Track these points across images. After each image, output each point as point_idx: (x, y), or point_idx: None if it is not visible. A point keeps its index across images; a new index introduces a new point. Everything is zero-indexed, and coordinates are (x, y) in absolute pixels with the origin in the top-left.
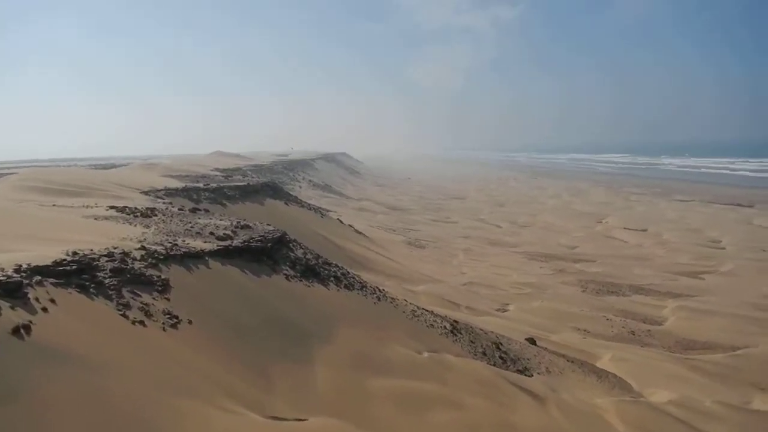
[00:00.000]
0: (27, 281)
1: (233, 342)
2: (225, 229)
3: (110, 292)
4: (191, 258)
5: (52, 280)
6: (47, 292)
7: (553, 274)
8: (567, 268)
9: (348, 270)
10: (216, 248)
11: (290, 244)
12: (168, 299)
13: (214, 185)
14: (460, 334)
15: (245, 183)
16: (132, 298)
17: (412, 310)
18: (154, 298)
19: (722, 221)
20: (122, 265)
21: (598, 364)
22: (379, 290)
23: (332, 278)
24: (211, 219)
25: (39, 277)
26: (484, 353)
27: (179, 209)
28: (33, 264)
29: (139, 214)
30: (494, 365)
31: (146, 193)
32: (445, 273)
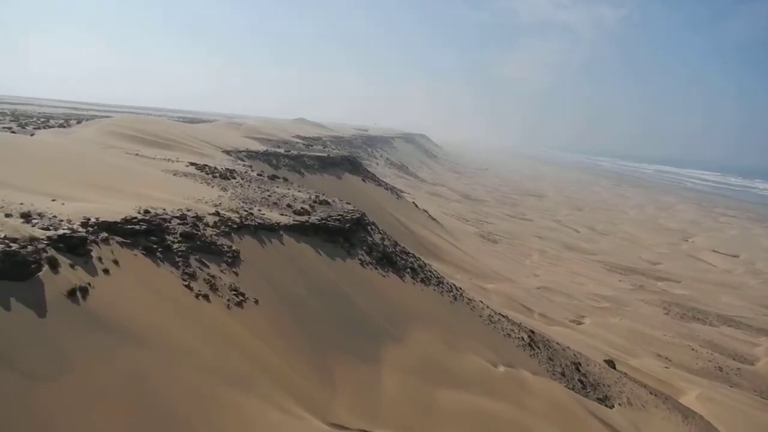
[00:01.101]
0: (93, 237)
1: (299, 331)
2: (303, 202)
3: (177, 259)
4: (265, 230)
5: (119, 238)
6: (112, 252)
7: (633, 290)
8: (648, 285)
9: (425, 262)
10: (292, 223)
11: (369, 227)
12: (236, 273)
13: (295, 152)
14: (538, 348)
15: (325, 154)
16: (199, 267)
17: (489, 315)
18: (222, 270)
19: None
20: (194, 230)
21: (683, 401)
22: (456, 288)
23: (408, 269)
24: (289, 189)
25: (106, 234)
26: (563, 374)
27: (258, 174)
28: (102, 219)
29: (218, 174)
30: (573, 389)
31: (228, 152)
32: (517, 273)
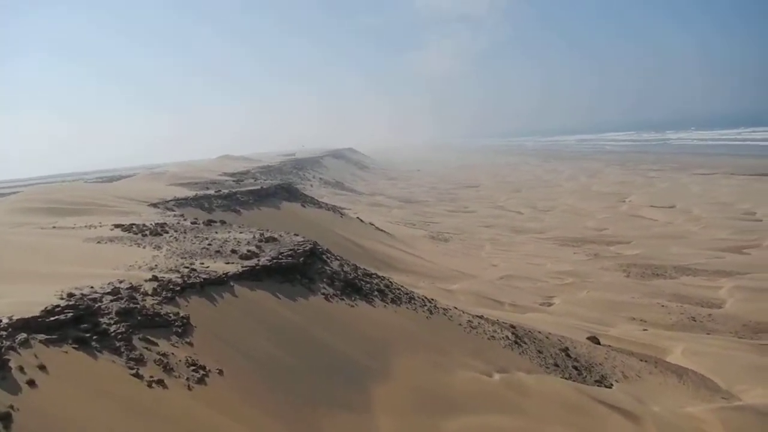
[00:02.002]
0: (7, 343)
1: (273, 393)
2: (248, 243)
3: (118, 344)
4: (214, 285)
5: (41, 336)
6: (35, 356)
7: (590, 260)
8: (602, 252)
9: (390, 280)
10: (241, 270)
11: (324, 256)
12: (191, 344)
13: (226, 191)
14: (525, 343)
15: (258, 187)
16: (146, 347)
17: (468, 321)
18: (173, 344)
19: (751, 192)
20: (131, 305)
21: (671, 359)
22: (429, 300)
23: (376, 292)
24: (229, 232)
25: (24, 335)
26: (556, 364)
27: (192, 222)
28: (16, 317)
29: (147, 232)
30: (570, 378)
31: (155, 205)
32: (476, 267)
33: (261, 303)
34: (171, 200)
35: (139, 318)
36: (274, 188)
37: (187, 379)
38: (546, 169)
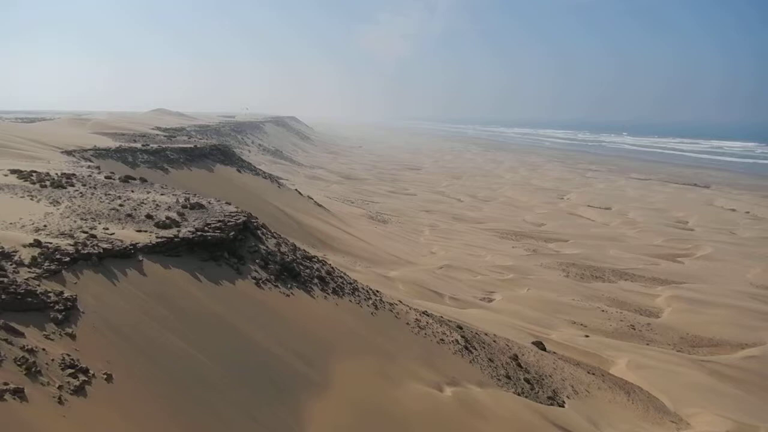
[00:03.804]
0: None
1: (178, 410)
2: (169, 208)
3: None
4: (115, 258)
5: None
6: None
7: (529, 255)
8: (540, 248)
9: (332, 266)
10: (155, 241)
11: (259, 232)
12: (72, 336)
13: (155, 146)
14: (475, 349)
15: (192, 145)
16: (5, 340)
17: (416, 320)
18: (48, 337)
19: (684, 201)
20: None
21: (616, 372)
22: (374, 293)
23: (316, 280)
24: (149, 192)
25: None
26: (507, 376)
27: (106, 177)
28: None
29: (48, 182)
30: (523, 393)
31: (69, 153)
32: (415, 253)
33: (176, 285)
34: (90, 149)
35: (2, 297)
36: (209, 149)
37: (60, 387)
38: (487, 159)
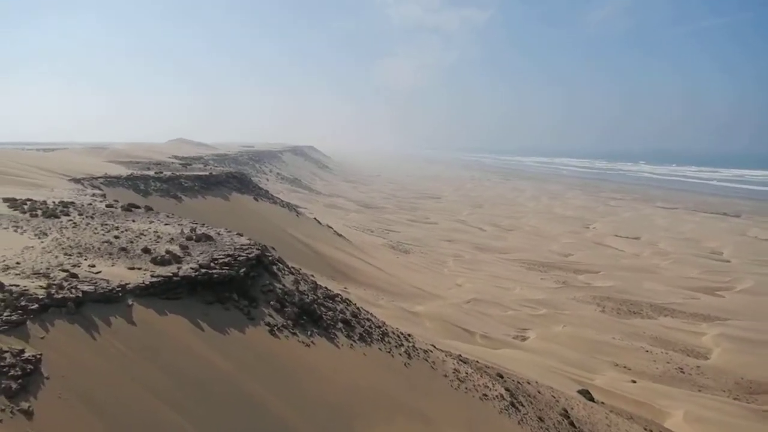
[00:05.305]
0: None
1: None
2: (170, 240)
3: None
4: (98, 303)
5: None
6: None
7: (560, 288)
8: (570, 280)
9: (359, 307)
10: (150, 281)
11: (274, 267)
12: (28, 414)
13: (168, 173)
14: (522, 406)
15: (207, 173)
16: None
17: (454, 370)
18: None
19: (715, 231)
20: None
21: (670, 425)
22: (405, 338)
23: (340, 324)
24: (151, 222)
25: None
26: None
27: (107, 205)
28: None
29: (40, 212)
30: None
31: (77, 180)
32: (440, 285)
33: (172, 337)
34: (100, 177)
35: None
36: (225, 176)
37: None
38: (507, 187)
